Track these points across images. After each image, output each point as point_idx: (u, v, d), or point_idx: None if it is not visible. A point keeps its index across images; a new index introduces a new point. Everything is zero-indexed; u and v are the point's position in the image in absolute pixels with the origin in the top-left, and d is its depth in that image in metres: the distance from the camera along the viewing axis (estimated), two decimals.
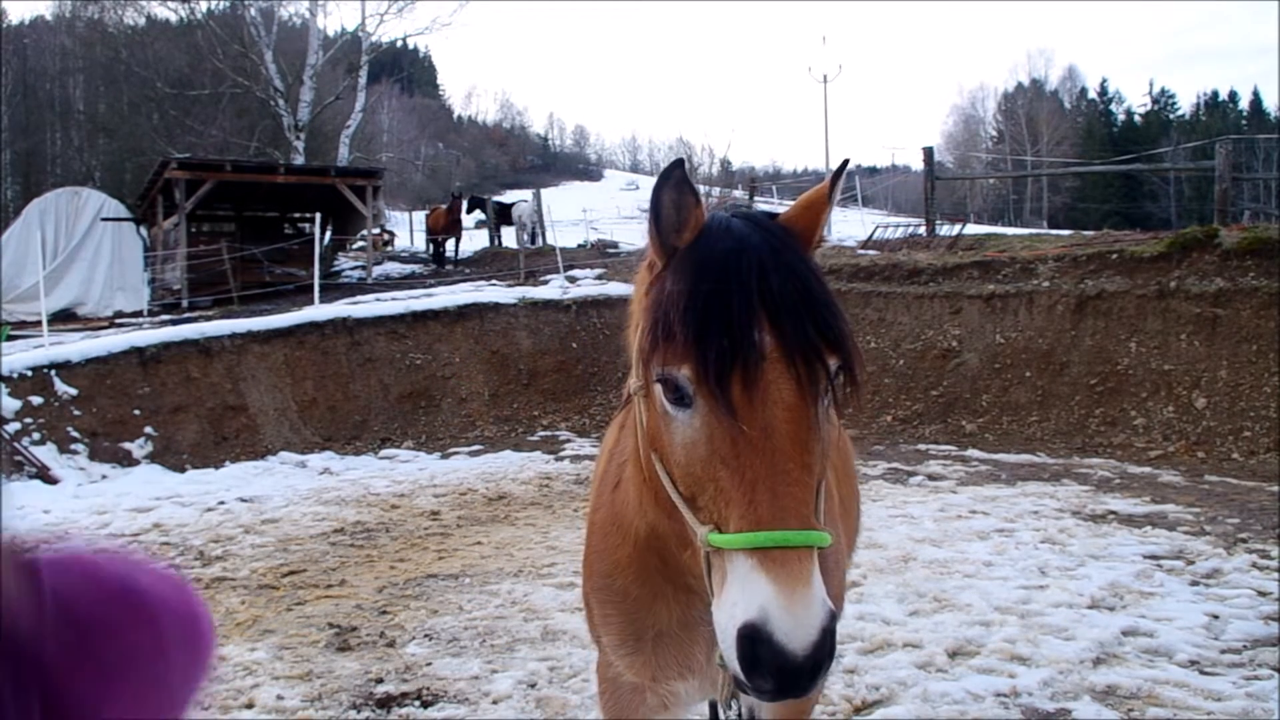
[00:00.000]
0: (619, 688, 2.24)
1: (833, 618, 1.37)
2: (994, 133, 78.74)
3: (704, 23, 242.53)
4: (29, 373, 11.29)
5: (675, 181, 1.54)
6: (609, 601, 2.13)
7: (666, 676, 2.14)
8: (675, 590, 2.01)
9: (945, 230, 18.67)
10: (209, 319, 15.91)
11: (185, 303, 19.97)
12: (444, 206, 26.50)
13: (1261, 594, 5.88)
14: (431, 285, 20.17)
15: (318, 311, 14.99)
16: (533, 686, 4.77)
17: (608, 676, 2.30)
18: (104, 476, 10.67)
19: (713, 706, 3.68)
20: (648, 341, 1.54)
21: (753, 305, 1.46)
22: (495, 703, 4.59)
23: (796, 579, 1.34)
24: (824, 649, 1.35)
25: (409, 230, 34.02)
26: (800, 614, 1.33)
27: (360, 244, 26.01)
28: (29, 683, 0.80)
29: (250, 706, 4.62)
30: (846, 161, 1.63)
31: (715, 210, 1.64)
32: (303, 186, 23.44)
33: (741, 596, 1.36)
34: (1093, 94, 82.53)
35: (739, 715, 2.19)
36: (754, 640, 1.34)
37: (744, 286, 1.48)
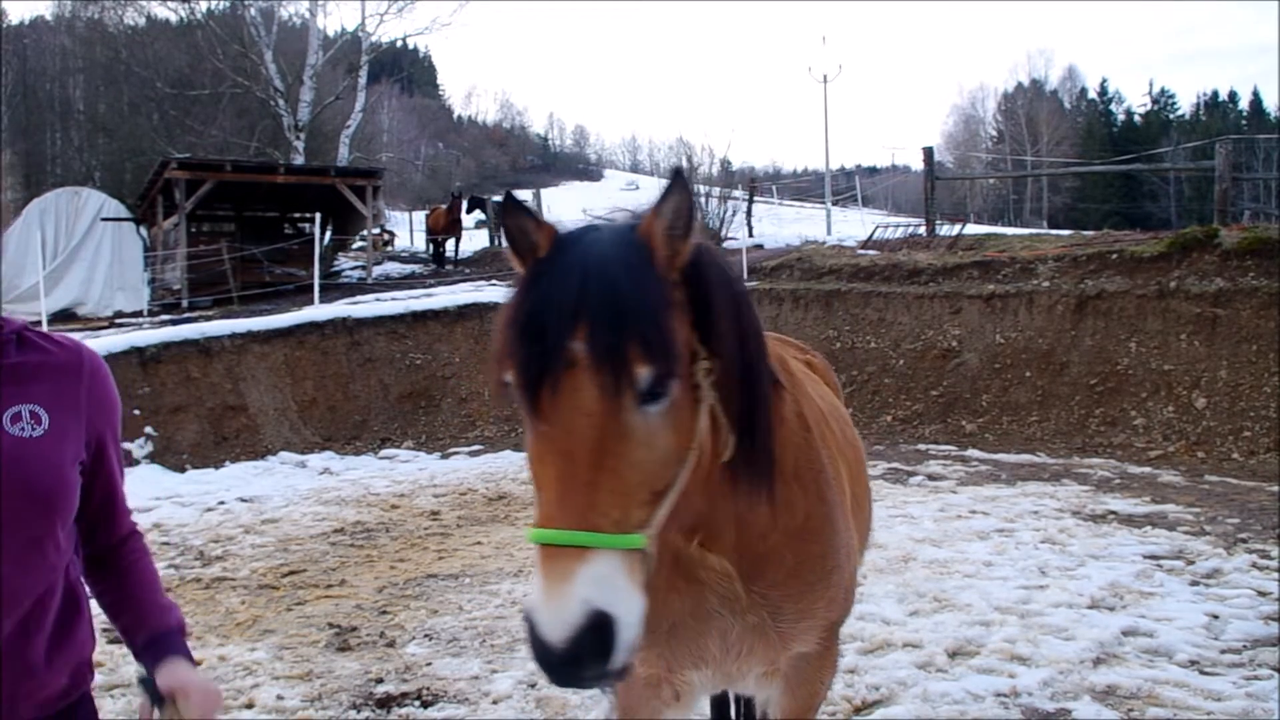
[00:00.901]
0: (633, 680, 2.25)
1: (595, 617, 1.40)
2: (994, 133, 78.69)
3: (704, 23, 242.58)
4: None
5: (512, 210, 1.63)
6: None
7: (681, 666, 2.19)
8: (686, 583, 2.05)
9: (945, 230, 18.67)
10: (209, 319, 15.91)
11: (185, 303, 19.97)
12: (444, 206, 26.49)
13: (1261, 594, 5.88)
14: (431, 285, 20.17)
15: (318, 311, 14.99)
16: (533, 686, 4.77)
17: (629, 691, 2.33)
18: None
19: (716, 705, 3.68)
20: (493, 349, 1.64)
21: (568, 315, 1.50)
22: (495, 703, 4.60)
23: (557, 577, 1.41)
24: (581, 645, 1.39)
25: (409, 230, 34.01)
26: (552, 609, 1.39)
27: (360, 244, 26.00)
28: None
29: (250, 706, 4.62)
30: (679, 170, 1.63)
31: (585, 224, 1.71)
32: (303, 186, 23.44)
33: (532, 587, 1.46)
34: (1093, 94, 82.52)
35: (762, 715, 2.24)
36: (529, 629, 1.44)
37: (563, 297, 1.52)
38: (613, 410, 1.48)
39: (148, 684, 1.73)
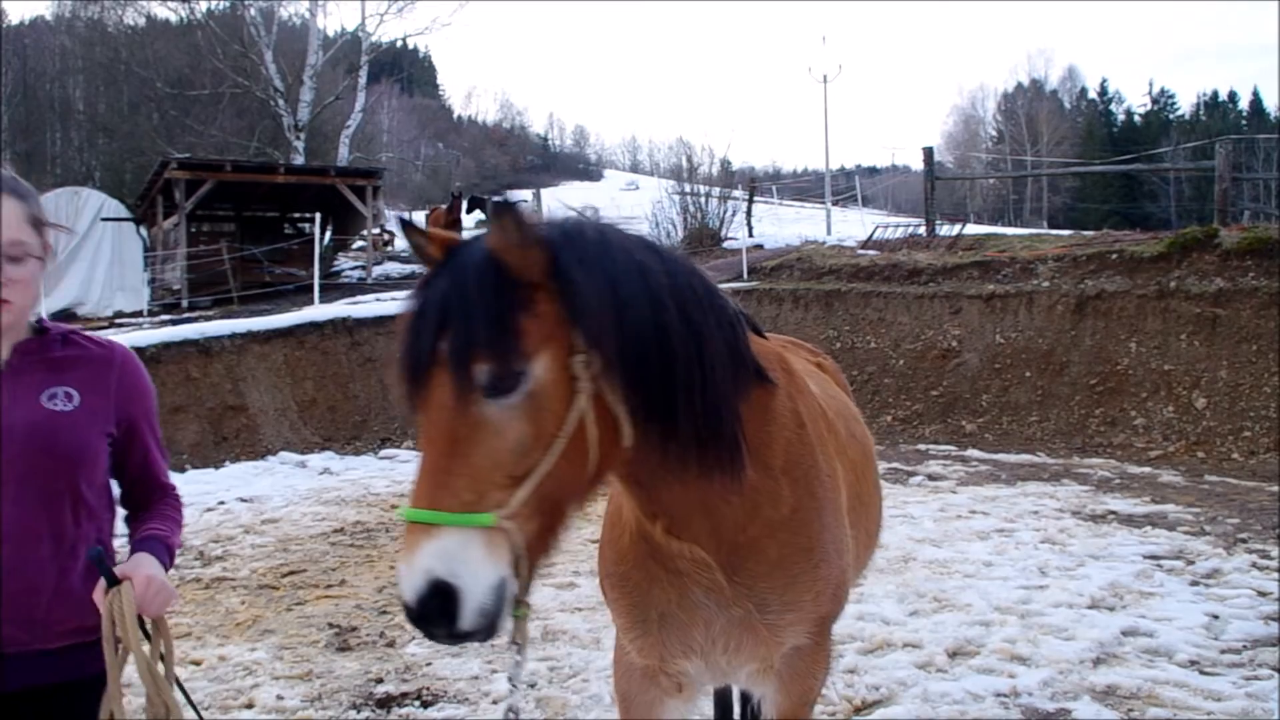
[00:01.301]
0: (631, 670, 2.38)
1: (436, 585, 1.58)
2: (994, 133, 78.70)
3: (704, 23, 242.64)
4: None
5: (407, 231, 1.86)
6: (617, 587, 2.28)
7: (673, 655, 2.27)
8: (667, 574, 2.14)
9: (945, 230, 18.67)
10: (209, 319, 15.91)
11: (185, 303, 19.97)
12: (444, 206, 26.49)
13: (1261, 594, 5.88)
14: None
15: (318, 311, 14.99)
16: (533, 686, 4.78)
17: (621, 660, 2.43)
18: None
19: (719, 704, 3.69)
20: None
21: (433, 321, 1.70)
22: (495, 703, 4.60)
23: (408, 549, 1.62)
24: (427, 608, 1.59)
25: None
26: (403, 577, 1.62)
27: (360, 244, 26.01)
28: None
29: (250, 706, 4.62)
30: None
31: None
32: (303, 186, 23.44)
33: None
34: (1093, 94, 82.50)
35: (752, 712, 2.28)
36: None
37: (429, 306, 1.72)
38: (461, 404, 1.65)
39: (102, 566, 1.91)
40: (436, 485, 1.64)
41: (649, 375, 1.79)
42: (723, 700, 3.71)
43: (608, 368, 1.73)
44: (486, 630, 1.64)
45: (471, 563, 1.61)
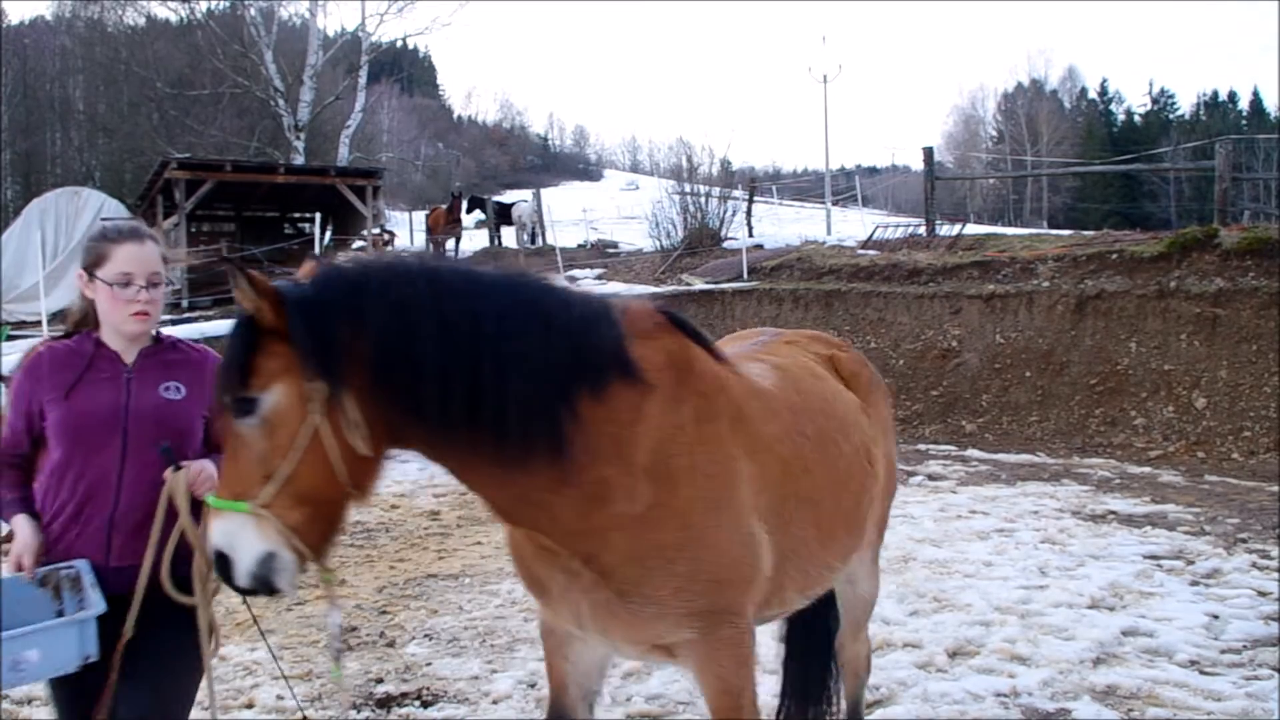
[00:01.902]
0: (546, 630, 2.79)
1: (214, 552, 2.17)
2: (994, 133, 78.69)
3: (704, 23, 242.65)
4: None
5: (238, 281, 2.14)
6: (516, 561, 2.66)
7: (562, 621, 2.60)
8: (536, 550, 2.48)
9: (945, 230, 18.66)
10: (209, 319, 15.90)
11: (185, 303, 19.97)
12: (444, 206, 26.49)
13: (1261, 594, 5.88)
14: None
15: None
16: (533, 686, 4.78)
17: (541, 621, 2.83)
18: None
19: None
20: None
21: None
22: (495, 703, 4.60)
23: (208, 525, 2.22)
24: (217, 569, 2.21)
25: (409, 230, 34.01)
26: (204, 545, 2.30)
27: (360, 244, 26.01)
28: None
29: (250, 706, 4.62)
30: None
31: None
32: (303, 186, 23.44)
33: None
34: (1093, 94, 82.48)
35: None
36: None
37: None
38: (226, 423, 2.19)
39: (168, 454, 2.63)
40: (221, 481, 2.23)
41: (397, 397, 2.15)
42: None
43: (333, 396, 2.09)
44: (265, 588, 2.17)
45: (240, 539, 2.14)
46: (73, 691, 2.57)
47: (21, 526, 2.57)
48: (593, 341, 2.33)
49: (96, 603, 2.42)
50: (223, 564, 2.16)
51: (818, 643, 3.62)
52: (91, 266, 2.68)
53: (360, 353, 2.11)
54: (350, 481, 2.20)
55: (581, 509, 2.29)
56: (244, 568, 2.14)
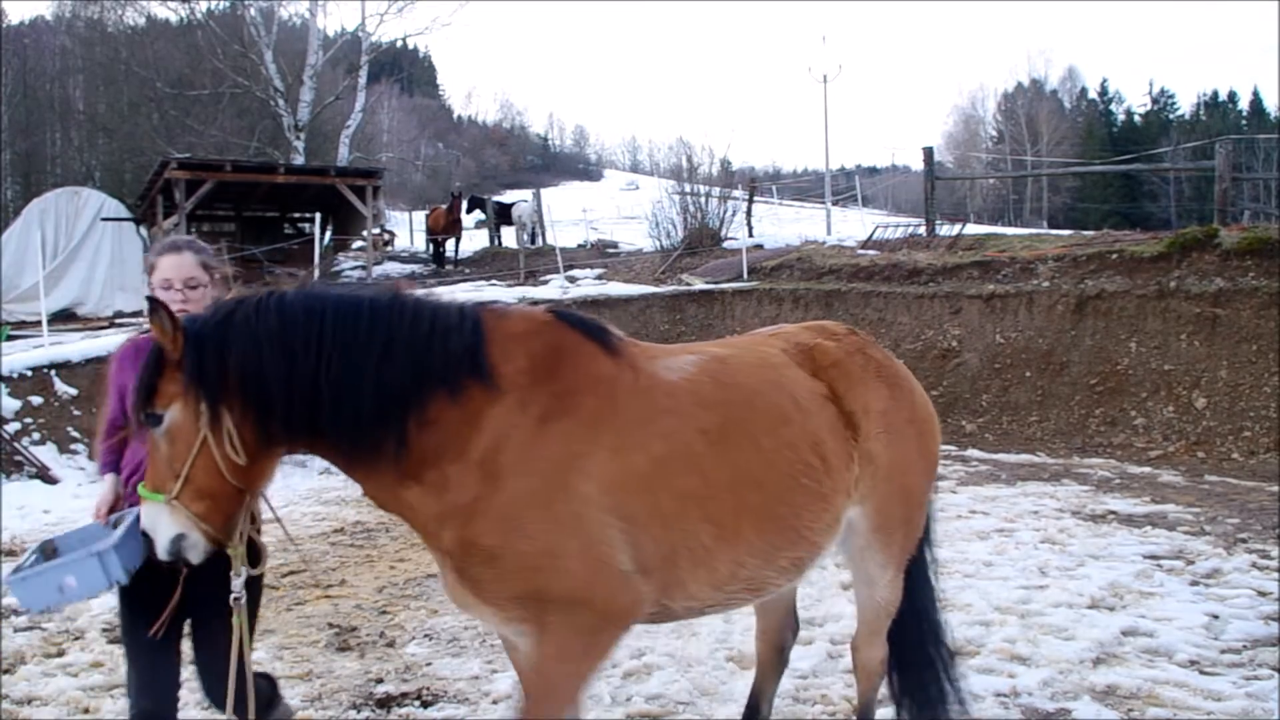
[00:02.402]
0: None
1: (144, 533, 2.70)
2: (994, 133, 78.67)
3: (704, 23, 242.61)
4: (29, 373, 11.28)
5: (153, 312, 2.61)
6: None
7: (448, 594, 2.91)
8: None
9: (945, 230, 18.66)
10: None
11: None
12: (444, 206, 26.49)
13: (1261, 594, 5.88)
14: (432, 285, 20.17)
15: None
16: None
17: None
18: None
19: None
20: None
21: None
22: (495, 703, 4.60)
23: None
24: (145, 542, 2.71)
25: (409, 230, 34.01)
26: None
27: (360, 244, 26.02)
28: None
29: None
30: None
31: None
32: (303, 186, 23.45)
33: None
34: (1093, 94, 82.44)
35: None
36: None
37: None
38: (143, 432, 2.68)
39: None
40: (147, 475, 2.70)
41: (265, 417, 2.60)
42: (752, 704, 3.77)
43: (213, 414, 2.58)
44: (181, 560, 2.70)
45: (158, 523, 2.65)
46: (146, 610, 3.12)
47: (105, 483, 3.35)
48: (444, 350, 2.66)
49: (122, 540, 2.88)
50: (149, 541, 2.69)
51: (913, 641, 3.51)
52: (147, 275, 3.31)
53: (229, 379, 2.58)
54: (237, 481, 2.65)
55: (427, 500, 2.67)
56: (161, 545, 2.66)
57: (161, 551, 2.67)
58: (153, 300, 2.62)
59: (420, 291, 2.94)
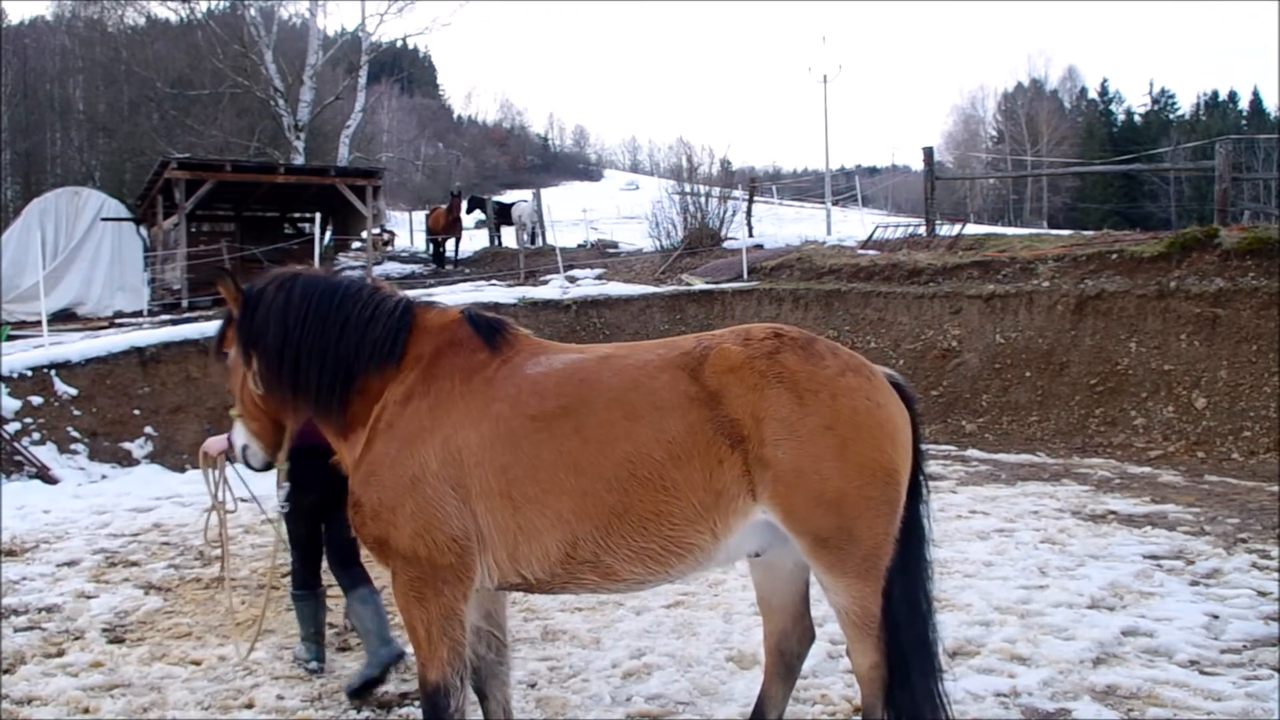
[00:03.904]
0: None
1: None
2: (994, 133, 78.66)
3: (703, 23, 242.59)
4: (29, 373, 11.28)
5: (223, 287, 3.72)
6: None
7: None
8: None
9: (945, 230, 18.65)
10: (209, 319, 15.90)
11: (185, 303, 19.96)
12: (444, 206, 26.49)
13: (1261, 594, 5.88)
14: (431, 285, 20.19)
15: None
16: (533, 686, 4.78)
17: None
18: (104, 476, 10.66)
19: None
20: None
21: None
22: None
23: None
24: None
25: (409, 230, 34.00)
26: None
27: (360, 244, 26.02)
28: None
29: (250, 706, 4.62)
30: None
31: None
32: (303, 186, 23.44)
33: None
34: (1093, 94, 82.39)
35: None
36: None
37: None
38: (219, 364, 3.83)
39: None
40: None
41: (267, 369, 3.52)
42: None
43: (246, 359, 3.61)
44: (248, 464, 3.86)
45: (236, 433, 3.80)
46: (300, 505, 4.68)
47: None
48: (376, 337, 3.42)
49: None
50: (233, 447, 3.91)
51: (898, 648, 3.35)
52: None
53: (254, 334, 3.53)
54: (267, 410, 3.68)
55: (348, 456, 3.49)
56: (236, 450, 3.83)
57: (237, 455, 3.84)
58: (223, 269, 3.72)
59: (386, 285, 3.71)
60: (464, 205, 26.80)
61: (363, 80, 32.66)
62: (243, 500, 5.04)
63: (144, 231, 21.54)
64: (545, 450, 3.13)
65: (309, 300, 3.47)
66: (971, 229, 21.04)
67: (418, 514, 3.17)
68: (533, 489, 3.12)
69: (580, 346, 3.54)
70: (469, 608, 3.31)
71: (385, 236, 29.67)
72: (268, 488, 4.53)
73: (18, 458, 10.28)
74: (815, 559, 3.18)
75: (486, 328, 3.43)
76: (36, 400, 11.05)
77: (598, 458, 3.10)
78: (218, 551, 7.73)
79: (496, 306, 15.53)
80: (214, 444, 4.60)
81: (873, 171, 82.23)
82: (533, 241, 26.57)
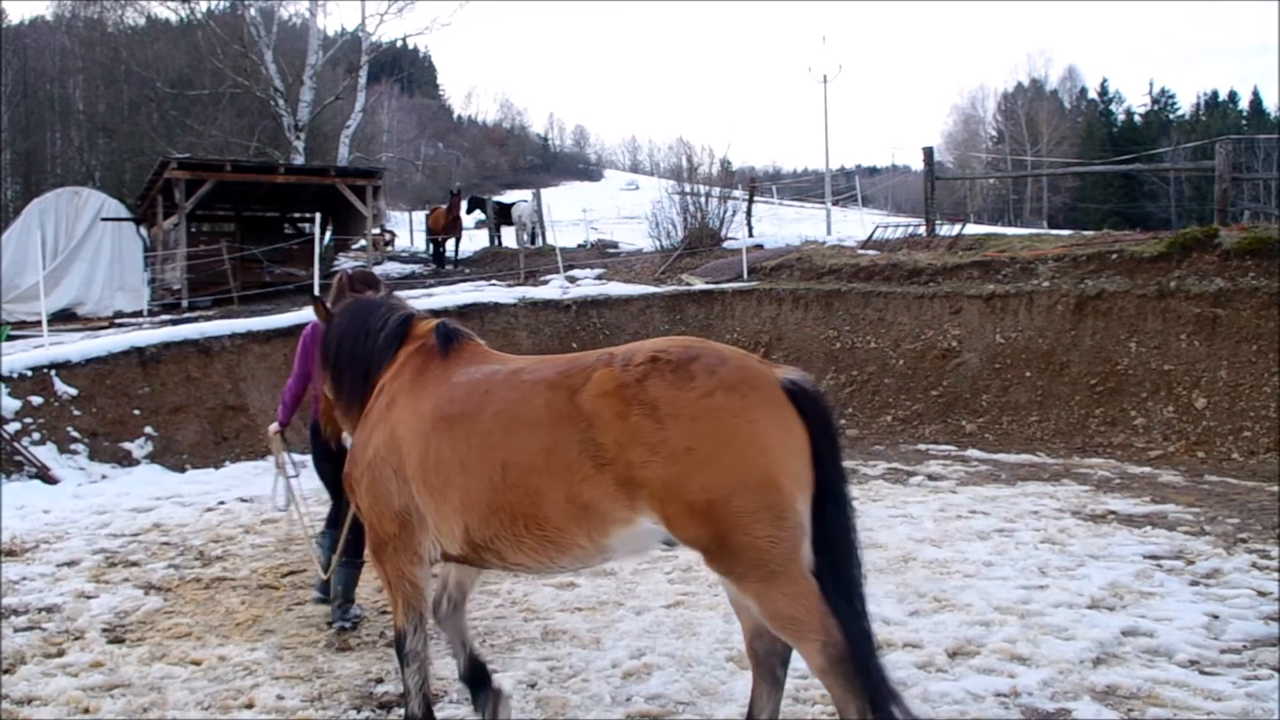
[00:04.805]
0: None
1: None
2: (994, 133, 78.69)
3: (704, 23, 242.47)
4: (29, 373, 11.28)
5: (316, 307, 4.63)
6: None
7: None
8: None
9: (945, 230, 18.64)
10: (209, 319, 15.91)
11: (185, 303, 19.97)
12: (444, 206, 26.48)
13: (1261, 594, 5.88)
14: (431, 285, 20.18)
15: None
16: (533, 686, 4.78)
17: None
18: (104, 476, 10.66)
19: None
20: None
21: None
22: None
23: None
24: None
25: (409, 230, 34.01)
26: None
27: (360, 244, 26.02)
28: None
29: (250, 706, 4.62)
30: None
31: None
32: (303, 186, 23.45)
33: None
34: (1093, 94, 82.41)
35: None
36: None
37: None
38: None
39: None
40: None
41: (328, 370, 4.40)
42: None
43: (322, 363, 4.49)
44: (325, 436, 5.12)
45: (323, 415, 4.93)
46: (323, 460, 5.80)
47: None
48: (383, 346, 4.17)
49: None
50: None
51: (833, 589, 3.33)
52: None
53: (323, 352, 4.46)
54: (332, 407, 4.57)
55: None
56: (324, 427, 4.97)
57: (324, 429, 4.94)
58: (314, 296, 4.67)
59: (400, 302, 4.45)
60: (464, 205, 26.78)
61: (363, 80, 32.67)
62: (293, 476, 6.06)
63: (144, 231, 21.55)
64: (445, 449, 3.64)
65: (349, 320, 4.34)
66: (971, 229, 21.03)
67: (371, 489, 3.91)
68: (437, 480, 3.66)
69: (509, 358, 4.02)
70: (420, 572, 3.91)
71: (385, 236, 29.66)
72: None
73: (18, 458, 10.28)
74: (711, 569, 3.31)
75: (444, 336, 4.04)
76: (36, 400, 11.05)
77: (479, 460, 3.53)
78: (218, 551, 7.76)
79: (496, 307, 15.52)
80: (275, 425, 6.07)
81: (873, 171, 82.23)
82: (533, 241, 26.57)
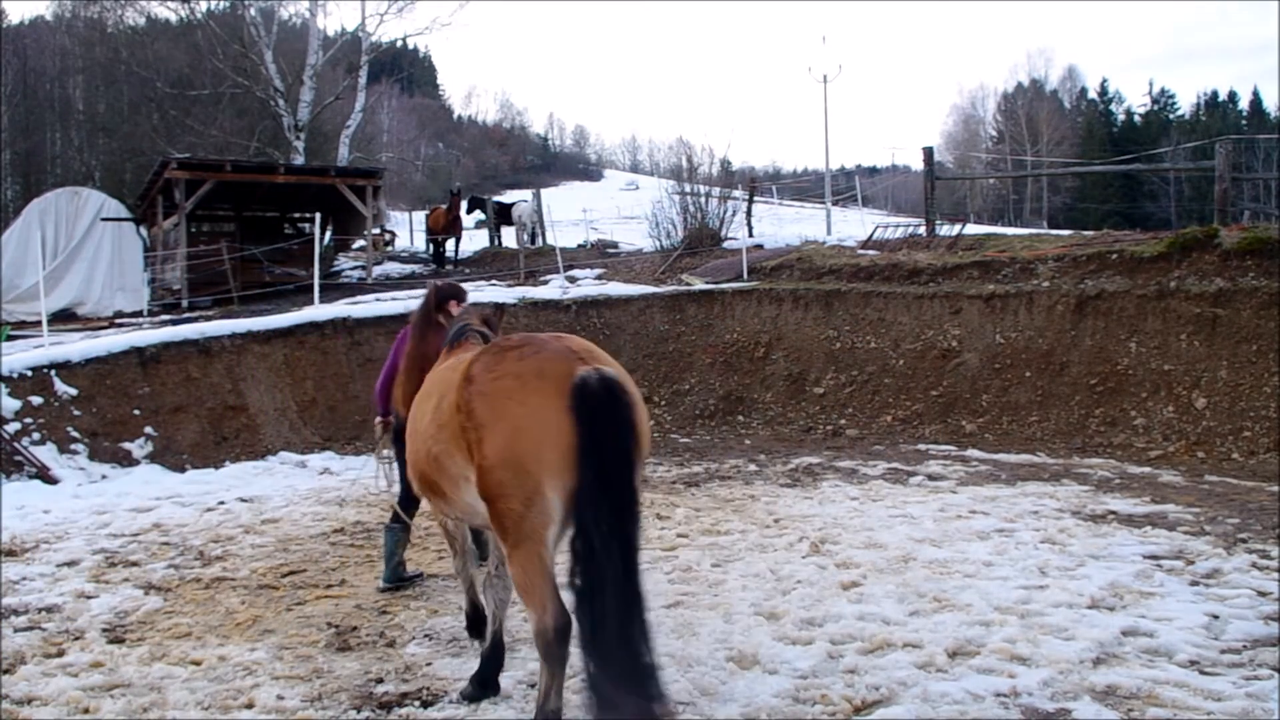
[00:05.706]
0: None
1: None
2: (994, 133, 78.70)
3: (704, 23, 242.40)
4: (29, 373, 11.28)
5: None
6: None
7: None
8: None
9: (945, 230, 18.64)
10: (209, 319, 15.90)
11: (185, 303, 19.95)
12: (444, 206, 26.47)
13: (1261, 594, 5.88)
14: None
15: (318, 311, 14.96)
16: (533, 686, 4.77)
17: None
18: (104, 476, 10.66)
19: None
20: None
21: None
22: (495, 703, 4.60)
23: None
24: None
25: (409, 230, 34.01)
26: None
27: (360, 244, 26.01)
28: None
29: (250, 706, 4.62)
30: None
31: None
32: (303, 186, 23.42)
33: None
34: (1093, 94, 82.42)
35: None
36: None
37: None
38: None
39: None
40: None
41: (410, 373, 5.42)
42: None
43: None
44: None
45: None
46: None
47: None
48: (443, 344, 5.09)
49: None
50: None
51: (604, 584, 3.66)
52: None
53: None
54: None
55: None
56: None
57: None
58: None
59: (471, 316, 5.15)
60: (464, 205, 26.78)
61: (363, 80, 32.64)
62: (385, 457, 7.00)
63: (144, 231, 21.53)
64: (419, 421, 4.48)
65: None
66: (971, 229, 21.02)
67: (413, 449, 4.54)
68: (414, 445, 4.51)
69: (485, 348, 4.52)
70: (459, 524, 4.83)
71: (385, 236, 29.66)
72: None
73: (18, 458, 10.28)
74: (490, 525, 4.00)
75: (456, 335, 4.98)
76: (36, 400, 11.05)
77: (424, 428, 4.33)
78: (218, 551, 7.76)
79: (497, 307, 15.51)
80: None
81: (873, 171, 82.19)
82: (533, 241, 26.56)
